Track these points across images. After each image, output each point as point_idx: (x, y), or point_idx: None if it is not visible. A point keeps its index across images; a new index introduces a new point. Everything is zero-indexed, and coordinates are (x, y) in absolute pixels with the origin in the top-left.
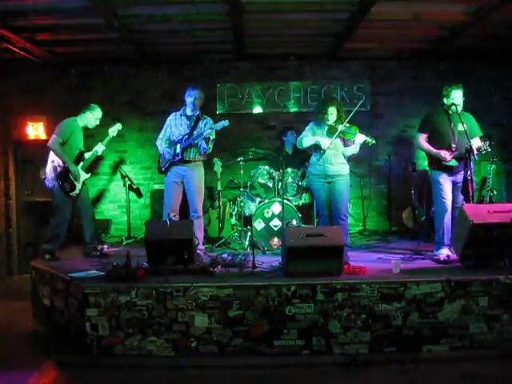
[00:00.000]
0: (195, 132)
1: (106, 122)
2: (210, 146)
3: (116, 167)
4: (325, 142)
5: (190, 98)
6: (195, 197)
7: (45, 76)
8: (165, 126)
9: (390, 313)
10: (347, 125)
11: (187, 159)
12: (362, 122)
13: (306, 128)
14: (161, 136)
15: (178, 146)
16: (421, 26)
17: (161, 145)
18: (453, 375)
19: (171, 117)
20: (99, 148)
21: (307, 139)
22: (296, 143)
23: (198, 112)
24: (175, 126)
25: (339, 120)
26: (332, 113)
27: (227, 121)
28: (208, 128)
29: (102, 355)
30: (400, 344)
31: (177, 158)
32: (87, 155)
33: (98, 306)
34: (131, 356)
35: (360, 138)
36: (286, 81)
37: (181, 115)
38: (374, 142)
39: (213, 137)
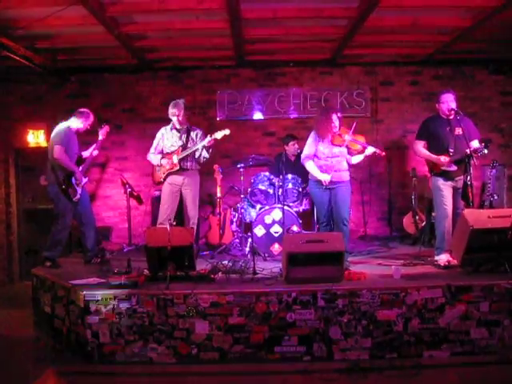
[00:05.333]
0: (189, 143)
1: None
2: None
3: (116, 174)
4: (325, 179)
5: (174, 117)
6: (192, 203)
7: (45, 83)
8: (156, 140)
9: (391, 319)
10: (353, 135)
11: (185, 168)
12: (362, 127)
13: (309, 141)
14: (152, 150)
15: (175, 157)
16: (419, 31)
17: (155, 157)
18: (454, 381)
19: (162, 131)
20: (94, 151)
21: (310, 167)
22: (301, 161)
23: (186, 124)
24: (167, 139)
25: (343, 129)
26: (336, 120)
27: (228, 130)
28: (200, 137)
29: (103, 362)
30: (401, 350)
31: (175, 168)
32: (85, 154)
33: (98, 314)
34: (132, 363)
35: (370, 150)
36: (286, 87)
37: (171, 129)
38: (383, 154)
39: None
